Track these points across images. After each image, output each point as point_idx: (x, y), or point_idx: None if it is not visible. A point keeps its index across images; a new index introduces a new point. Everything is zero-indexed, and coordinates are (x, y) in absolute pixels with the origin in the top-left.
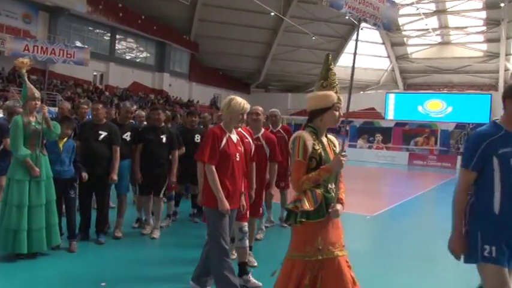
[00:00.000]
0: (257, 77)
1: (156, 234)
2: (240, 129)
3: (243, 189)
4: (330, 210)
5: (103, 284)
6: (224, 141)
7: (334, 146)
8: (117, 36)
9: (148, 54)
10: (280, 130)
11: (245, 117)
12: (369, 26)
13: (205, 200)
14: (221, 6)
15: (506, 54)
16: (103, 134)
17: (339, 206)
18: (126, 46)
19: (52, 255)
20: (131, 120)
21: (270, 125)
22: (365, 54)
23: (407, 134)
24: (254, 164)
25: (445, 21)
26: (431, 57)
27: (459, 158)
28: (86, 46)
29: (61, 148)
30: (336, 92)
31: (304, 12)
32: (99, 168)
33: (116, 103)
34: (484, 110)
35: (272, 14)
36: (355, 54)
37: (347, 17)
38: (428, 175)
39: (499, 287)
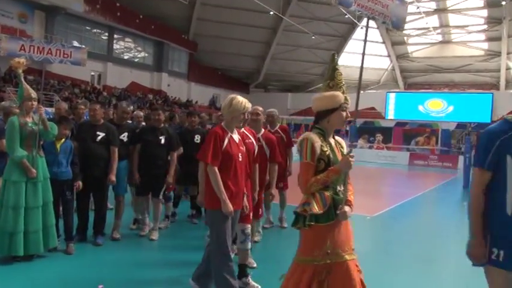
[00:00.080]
0: (256, 77)
1: (155, 235)
2: (242, 129)
3: (245, 190)
4: (338, 212)
5: (101, 286)
6: (226, 141)
7: (342, 147)
8: (115, 36)
9: (146, 54)
10: (278, 130)
11: (247, 116)
12: (371, 25)
13: (208, 202)
14: (220, 5)
15: (508, 53)
16: (101, 134)
17: (347, 208)
18: (124, 46)
19: (49, 258)
20: (129, 121)
21: (268, 125)
22: (365, 54)
23: (408, 134)
24: (257, 165)
25: (445, 19)
26: (432, 56)
27: (460, 157)
28: (83, 46)
29: (58, 149)
30: (343, 92)
31: (303, 11)
32: (97, 170)
33: (114, 103)
34: (486, 109)
35: (271, 13)
36: (363, 54)
37: (357, 13)
38: (429, 175)
39: None
